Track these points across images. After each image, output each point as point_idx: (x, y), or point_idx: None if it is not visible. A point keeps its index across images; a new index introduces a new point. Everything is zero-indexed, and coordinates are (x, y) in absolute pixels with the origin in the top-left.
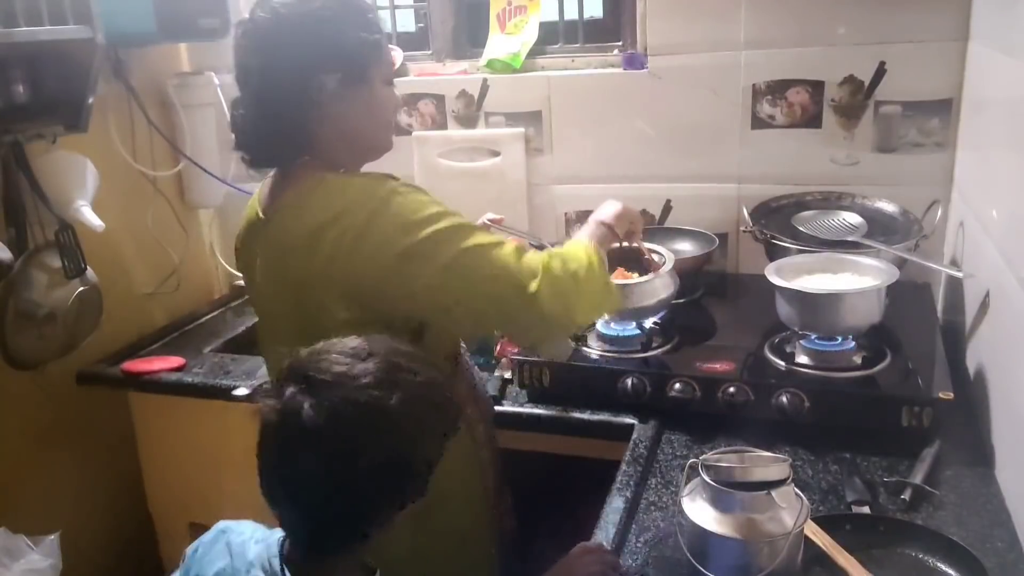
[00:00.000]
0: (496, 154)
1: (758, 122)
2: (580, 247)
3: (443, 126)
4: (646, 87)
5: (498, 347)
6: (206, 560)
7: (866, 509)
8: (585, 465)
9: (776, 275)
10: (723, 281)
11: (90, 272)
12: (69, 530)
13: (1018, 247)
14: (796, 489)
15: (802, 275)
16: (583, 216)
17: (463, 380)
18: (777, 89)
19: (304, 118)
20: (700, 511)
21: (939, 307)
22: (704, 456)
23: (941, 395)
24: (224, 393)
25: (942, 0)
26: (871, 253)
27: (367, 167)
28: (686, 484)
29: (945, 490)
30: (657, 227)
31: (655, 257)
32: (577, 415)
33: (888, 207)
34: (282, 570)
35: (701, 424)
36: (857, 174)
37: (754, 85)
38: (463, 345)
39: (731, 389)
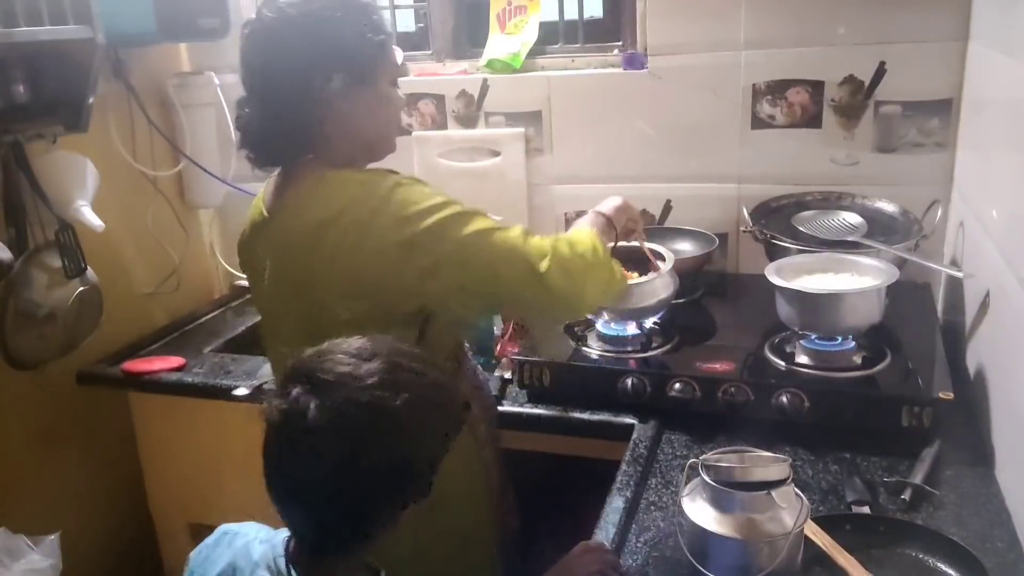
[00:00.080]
0: (496, 154)
1: (758, 122)
2: (584, 232)
3: (443, 126)
4: (646, 87)
5: (498, 347)
6: (209, 562)
7: (866, 509)
8: (585, 465)
9: (776, 275)
10: (723, 281)
11: (90, 272)
12: (69, 530)
13: (1018, 247)
14: (796, 489)
15: (802, 275)
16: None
17: (466, 379)
18: (777, 89)
19: (309, 118)
20: (700, 511)
21: (939, 307)
22: (704, 456)
23: (941, 395)
24: (224, 393)
25: (942, 0)
26: (871, 253)
27: (370, 167)
28: (686, 484)
29: (945, 490)
30: (657, 227)
31: (656, 257)
32: (577, 415)
33: (888, 207)
34: (288, 570)
35: (701, 424)
36: (857, 174)
37: (754, 85)
38: (466, 344)
39: (731, 389)
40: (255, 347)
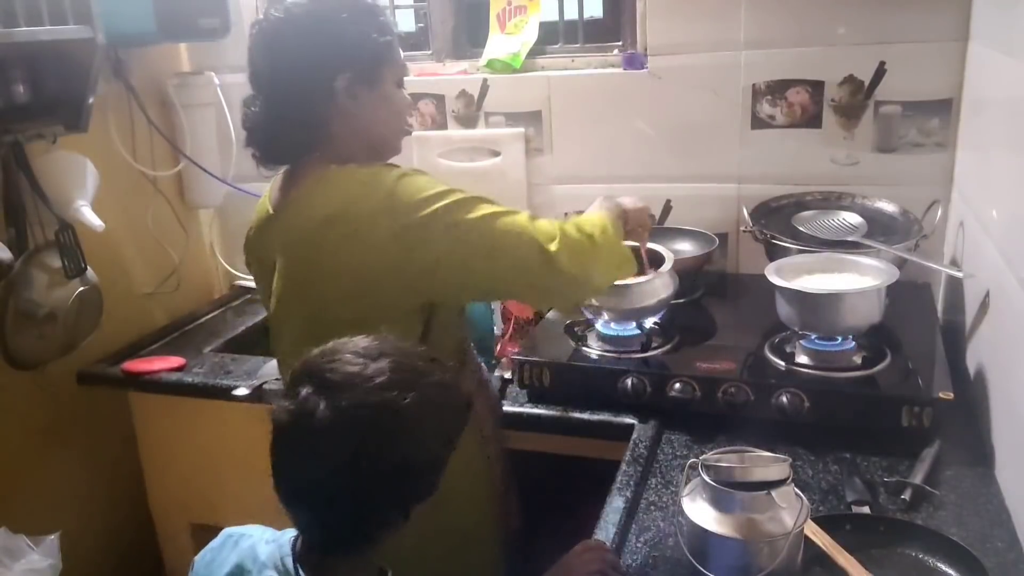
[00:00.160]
0: (496, 154)
1: (758, 122)
2: (595, 215)
3: (443, 126)
4: (646, 87)
5: (498, 347)
6: (215, 565)
7: (866, 509)
8: (585, 465)
9: (776, 275)
10: (723, 281)
11: (90, 272)
12: (69, 530)
13: (1018, 247)
14: (796, 489)
15: (802, 275)
16: None
17: (470, 376)
18: (777, 89)
19: (315, 117)
20: (700, 511)
21: (939, 307)
22: (704, 456)
23: (941, 395)
24: (224, 393)
25: (942, 0)
26: (871, 253)
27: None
28: (686, 484)
29: (945, 490)
30: (657, 227)
31: (651, 262)
32: (577, 415)
33: (888, 207)
34: (296, 570)
35: (701, 424)
36: (857, 174)
37: (754, 85)
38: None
39: (731, 389)
40: (255, 347)
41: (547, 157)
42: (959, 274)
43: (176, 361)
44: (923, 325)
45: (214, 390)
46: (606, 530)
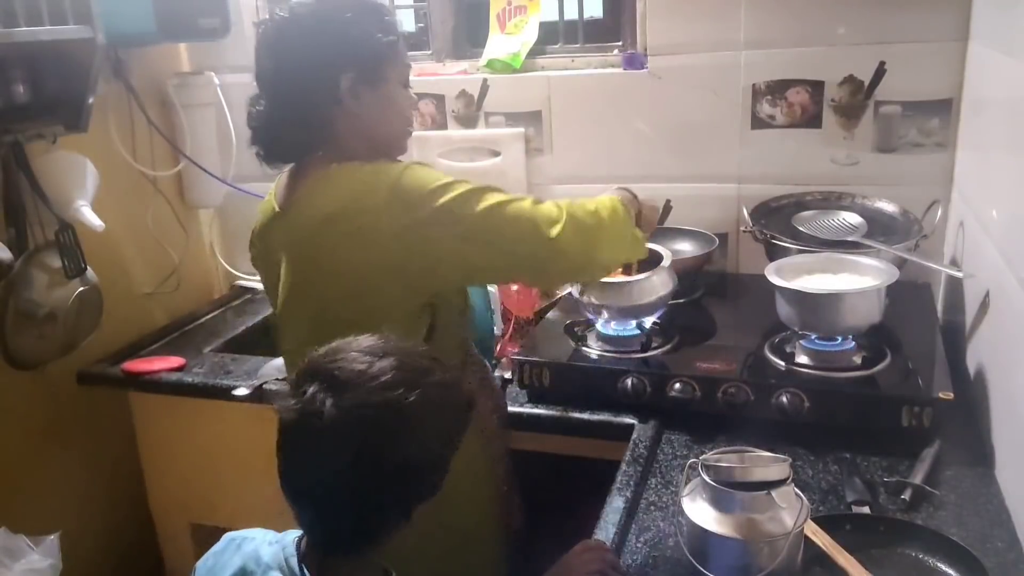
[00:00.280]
0: (496, 154)
1: (758, 122)
2: (605, 197)
3: (443, 126)
4: (646, 87)
5: (498, 347)
6: (218, 568)
7: (866, 509)
8: (585, 465)
9: (776, 275)
10: (723, 281)
11: (90, 272)
12: (69, 530)
13: (1018, 247)
14: (796, 489)
15: (802, 275)
16: None
17: (472, 376)
18: (777, 89)
19: (320, 116)
20: (700, 511)
21: (939, 307)
22: (704, 456)
23: (941, 395)
24: (224, 393)
25: (942, 0)
26: (871, 253)
27: None
28: (686, 484)
29: (945, 490)
30: (657, 227)
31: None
32: (577, 415)
33: (888, 207)
34: (300, 570)
35: (701, 424)
36: (857, 174)
37: (754, 85)
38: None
39: (731, 389)
40: (255, 347)
41: (547, 157)
42: (959, 274)
43: (176, 361)
44: (923, 325)
45: (214, 390)
46: (606, 530)
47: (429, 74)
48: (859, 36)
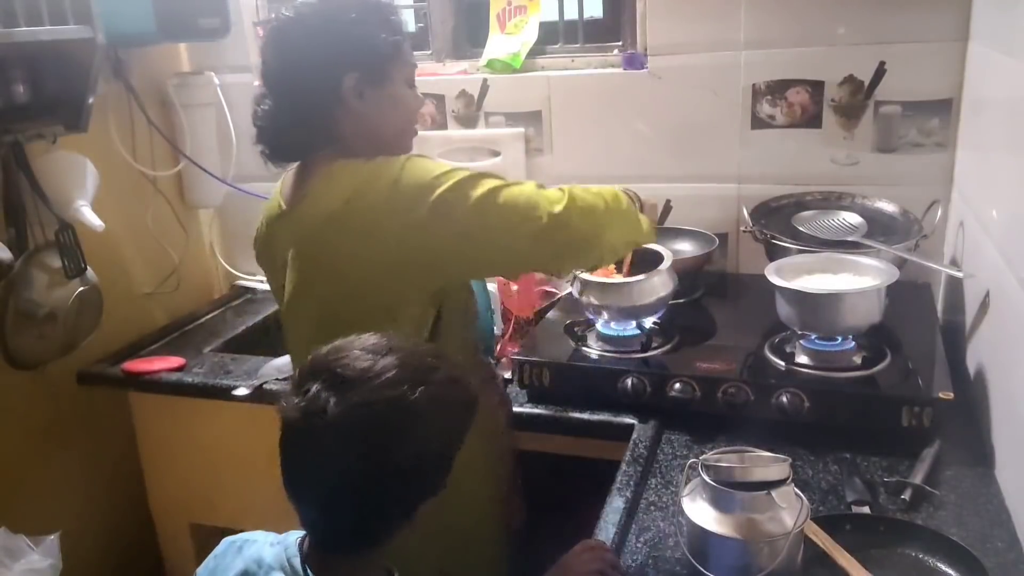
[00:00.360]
0: (496, 154)
1: (758, 122)
2: (607, 187)
3: (443, 126)
4: (646, 87)
5: (498, 347)
6: (219, 571)
7: (866, 509)
8: (585, 465)
9: (776, 275)
10: (723, 281)
11: (90, 272)
12: (69, 530)
13: (1018, 247)
14: (796, 489)
15: (802, 275)
16: None
17: (476, 373)
18: (777, 89)
19: (324, 115)
20: (700, 511)
21: (939, 307)
22: (704, 456)
23: (941, 395)
24: (224, 393)
25: (942, 0)
26: (871, 253)
27: None
28: (686, 484)
29: (945, 490)
30: (657, 227)
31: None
32: (577, 415)
33: (888, 207)
34: (303, 569)
35: (701, 424)
36: (857, 174)
37: (754, 85)
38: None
39: (731, 389)
40: (255, 347)
41: (547, 157)
42: (959, 274)
43: (176, 361)
44: (923, 325)
45: (214, 390)
46: (606, 530)
47: (429, 74)
48: (859, 36)
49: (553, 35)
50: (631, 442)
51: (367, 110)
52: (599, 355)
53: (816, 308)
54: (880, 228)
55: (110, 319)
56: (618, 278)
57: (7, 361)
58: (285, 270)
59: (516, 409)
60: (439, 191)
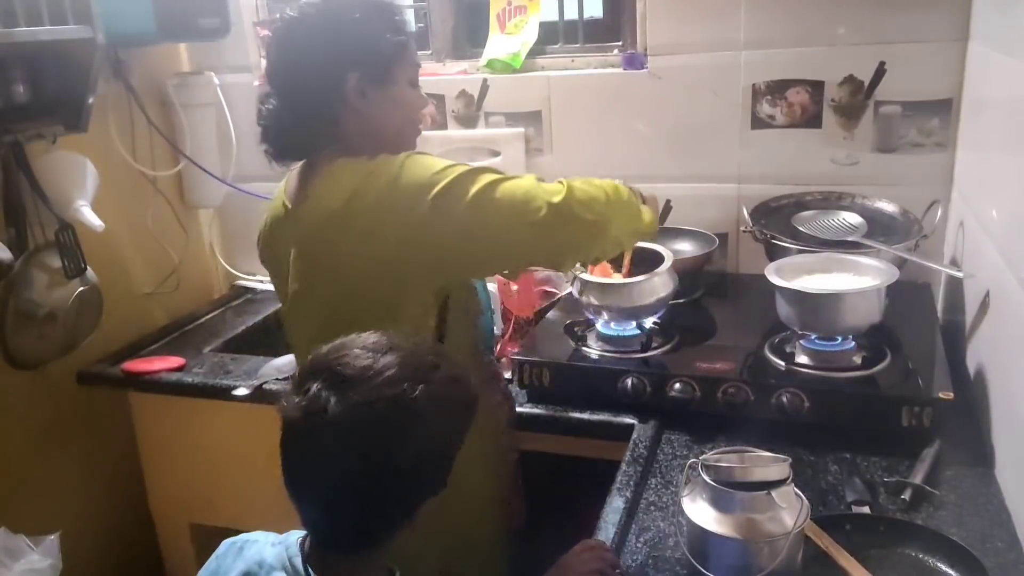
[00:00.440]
0: (496, 154)
1: (758, 122)
2: (607, 179)
3: (443, 126)
4: (646, 87)
5: (498, 347)
6: (221, 571)
7: (866, 509)
8: (585, 465)
9: (776, 275)
10: (723, 281)
11: (90, 272)
12: (69, 530)
13: (1018, 247)
14: (796, 489)
15: (802, 275)
16: None
17: (482, 371)
18: (777, 89)
19: (329, 114)
20: (700, 511)
21: (939, 307)
22: (704, 456)
23: (941, 395)
24: (224, 393)
25: (942, 0)
26: (871, 253)
27: None
28: (686, 484)
29: (945, 490)
30: (658, 218)
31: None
32: (577, 415)
33: (888, 207)
34: (305, 569)
35: (701, 424)
36: (857, 174)
37: (754, 85)
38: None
39: (731, 389)
40: (255, 347)
41: (547, 157)
42: (959, 274)
43: (176, 361)
44: (923, 325)
45: (214, 390)
46: (606, 530)
47: (429, 74)
48: (859, 36)
49: (553, 35)
50: (631, 442)
51: (370, 110)
52: (599, 355)
53: (816, 308)
54: (880, 228)
55: (110, 319)
56: (618, 278)
57: (7, 361)
58: (288, 270)
59: (516, 409)
60: (437, 189)
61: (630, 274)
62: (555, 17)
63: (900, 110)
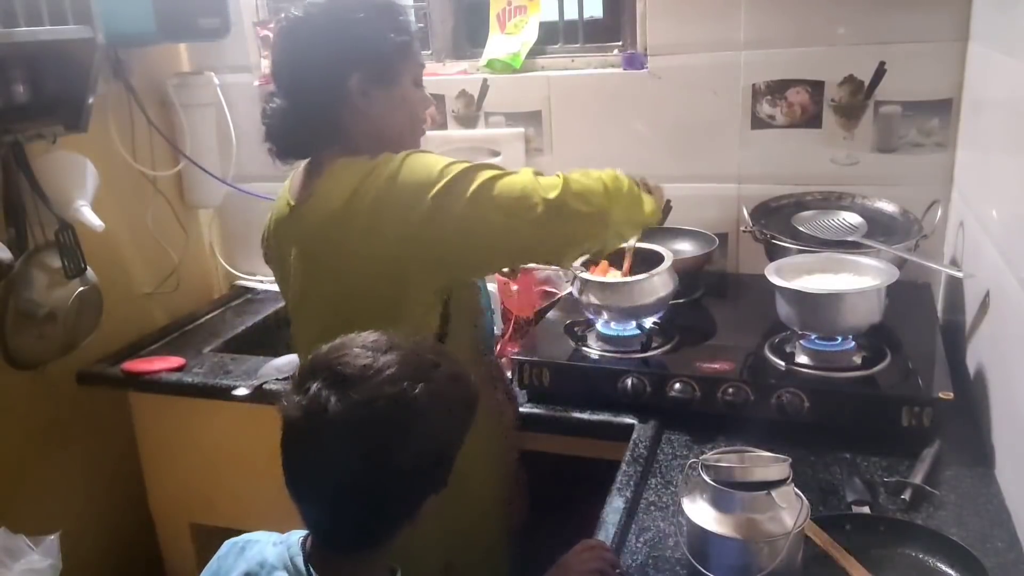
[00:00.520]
0: (496, 154)
1: (758, 122)
2: (608, 169)
3: (443, 126)
4: (646, 87)
5: (498, 347)
6: (222, 572)
7: (866, 509)
8: (585, 465)
9: (776, 275)
10: (723, 281)
11: (90, 272)
12: (69, 530)
13: (1018, 247)
14: (796, 489)
15: (802, 275)
16: None
17: (486, 370)
18: (777, 89)
19: (333, 114)
20: (700, 511)
21: (939, 307)
22: (704, 456)
23: (941, 395)
24: (224, 393)
25: (942, 0)
26: (871, 253)
27: None
28: (686, 484)
29: (945, 490)
30: (657, 227)
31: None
32: (577, 415)
33: (888, 207)
34: (307, 568)
35: (701, 424)
36: (857, 174)
37: (754, 85)
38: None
39: (731, 389)
40: (255, 347)
41: (547, 157)
42: (959, 274)
43: (176, 361)
44: (923, 325)
45: (214, 390)
46: (606, 530)
47: (429, 74)
48: (859, 36)
49: (553, 35)
50: (631, 442)
51: (373, 109)
52: (599, 355)
53: (816, 308)
54: (880, 228)
55: (110, 319)
56: (618, 278)
57: (7, 361)
58: (291, 268)
59: (520, 409)
60: (438, 188)
61: (630, 274)
62: (555, 17)
63: (900, 110)
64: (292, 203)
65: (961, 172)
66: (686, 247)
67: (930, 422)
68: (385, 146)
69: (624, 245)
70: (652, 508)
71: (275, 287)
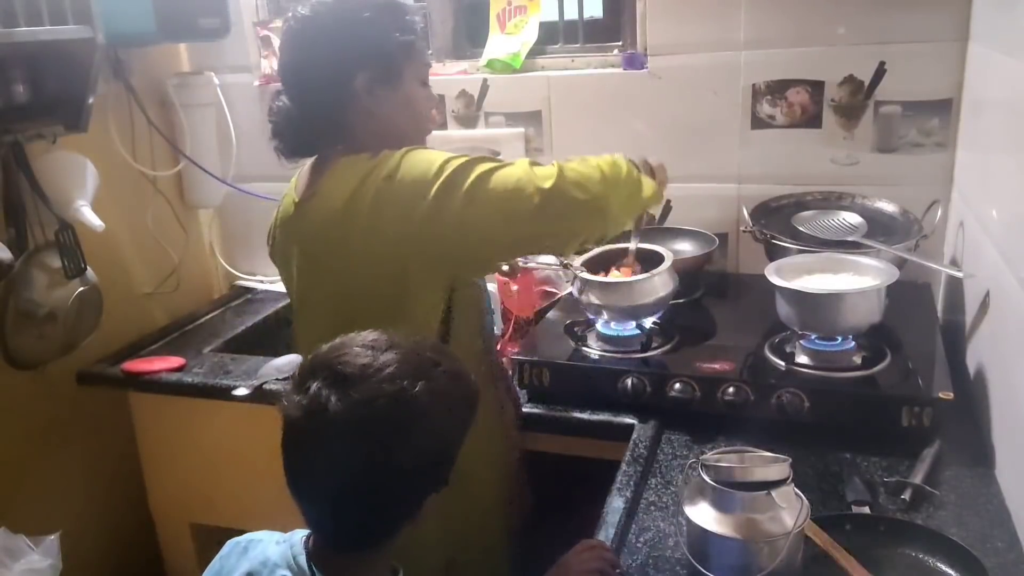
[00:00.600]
0: (496, 154)
1: (758, 122)
2: (606, 155)
3: (443, 126)
4: (646, 87)
5: (498, 347)
6: (225, 572)
7: (866, 509)
8: (585, 465)
9: (776, 275)
10: (723, 281)
11: (90, 272)
12: (69, 530)
13: (1018, 247)
14: (796, 489)
15: (802, 275)
16: None
17: (489, 370)
18: (777, 89)
19: (338, 112)
20: (700, 511)
21: (939, 307)
22: (704, 456)
23: (941, 395)
24: (224, 393)
25: (942, 0)
26: (871, 253)
27: None
28: (686, 484)
29: (945, 490)
30: (657, 227)
31: (654, 257)
32: (577, 415)
33: (888, 207)
34: (310, 567)
35: (701, 424)
36: (857, 174)
37: (754, 85)
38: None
39: (731, 389)
40: (255, 347)
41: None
42: (959, 274)
43: (176, 361)
44: (923, 325)
45: (214, 390)
46: (606, 530)
47: (430, 74)
48: (859, 36)
49: (553, 35)
50: (631, 442)
51: (378, 108)
52: (599, 355)
53: (816, 308)
54: (880, 228)
55: (110, 319)
56: (618, 278)
57: (7, 361)
58: (294, 268)
59: (522, 408)
60: (437, 186)
61: (634, 272)
62: (555, 17)
63: (900, 110)
64: (297, 200)
65: (961, 172)
66: (686, 247)
67: (930, 422)
68: (391, 144)
69: (627, 246)
70: (652, 508)
71: (275, 287)
